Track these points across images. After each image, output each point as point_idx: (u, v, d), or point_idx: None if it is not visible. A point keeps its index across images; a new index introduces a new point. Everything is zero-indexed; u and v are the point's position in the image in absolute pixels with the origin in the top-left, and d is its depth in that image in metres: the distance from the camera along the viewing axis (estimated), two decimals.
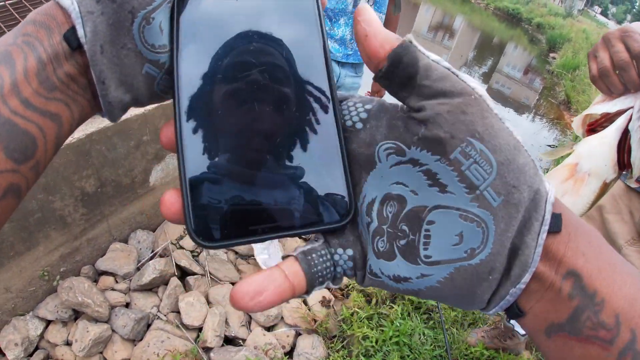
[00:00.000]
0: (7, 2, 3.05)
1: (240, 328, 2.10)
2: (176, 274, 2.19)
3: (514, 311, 0.27)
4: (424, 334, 2.25)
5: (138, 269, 2.18)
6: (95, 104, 0.32)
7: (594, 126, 0.98)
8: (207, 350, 1.98)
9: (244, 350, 1.96)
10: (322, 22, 0.33)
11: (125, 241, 2.28)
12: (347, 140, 0.31)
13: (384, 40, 0.29)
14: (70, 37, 0.28)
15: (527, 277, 0.26)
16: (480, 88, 0.27)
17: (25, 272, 1.83)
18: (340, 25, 2.17)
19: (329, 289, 2.42)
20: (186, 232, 0.26)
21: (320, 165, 0.31)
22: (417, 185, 0.28)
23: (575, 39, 13.80)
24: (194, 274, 2.25)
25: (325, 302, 2.30)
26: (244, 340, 2.07)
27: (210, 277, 2.25)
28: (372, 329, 2.20)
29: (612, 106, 0.93)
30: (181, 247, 2.36)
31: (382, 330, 2.21)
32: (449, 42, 13.65)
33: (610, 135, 0.90)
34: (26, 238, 1.76)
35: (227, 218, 0.30)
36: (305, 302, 2.29)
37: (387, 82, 0.29)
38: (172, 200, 0.30)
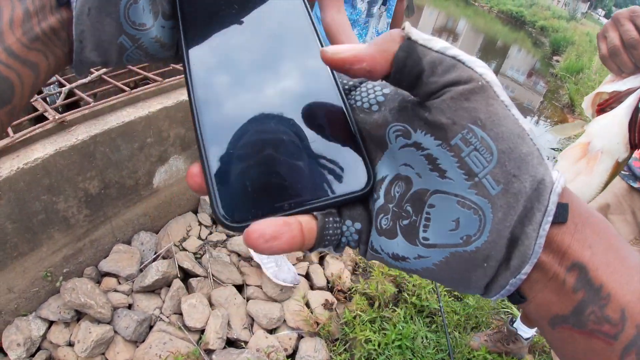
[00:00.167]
0: None
1: (242, 330, 2.10)
2: (179, 275, 2.19)
3: (516, 297, 0.27)
4: (426, 337, 2.25)
5: (141, 270, 2.18)
6: (70, 58, 0.34)
7: (604, 106, 0.98)
8: (209, 352, 1.98)
9: (246, 352, 1.96)
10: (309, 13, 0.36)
11: (129, 243, 2.28)
12: (362, 121, 0.32)
13: (377, 51, 0.28)
14: None
15: (527, 269, 0.25)
16: (489, 73, 0.26)
17: (29, 272, 1.83)
18: None
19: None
20: (212, 216, 0.26)
21: (336, 138, 0.32)
22: (421, 169, 0.28)
23: (579, 42, 13.80)
24: (196, 275, 2.25)
25: (327, 305, 2.30)
26: (246, 342, 2.07)
27: (213, 279, 2.25)
28: (374, 332, 2.20)
29: (621, 85, 0.93)
30: (184, 249, 2.36)
31: (385, 334, 2.20)
32: (452, 45, 13.61)
33: (621, 113, 0.90)
34: (30, 239, 1.77)
35: (253, 196, 0.30)
36: (307, 305, 2.29)
37: (396, 85, 0.30)
38: (198, 173, 0.31)
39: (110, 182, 1.99)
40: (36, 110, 1.83)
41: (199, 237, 2.46)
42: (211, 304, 2.14)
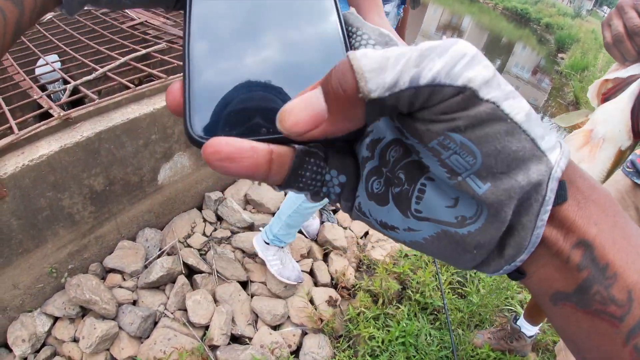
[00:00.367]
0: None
1: (246, 327, 2.10)
2: (183, 272, 2.20)
3: (514, 274, 0.26)
4: (430, 334, 2.25)
5: (146, 266, 2.19)
6: None
7: (608, 95, 0.98)
8: (214, 348, 1.98)
9: (250, 348, 1.97)
10: None
11: (133, 239, 2.29)
12: None
13: (339, 121, 0.24)
14: None
15: (523, 257, 0.24)
16: (477, 77, 0.22)
17: (34, 269, 1.84)
18: None
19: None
20: (185, 135, 0.24)
21: (327, 62, 0.29)
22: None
23: (584, 40, 13.73)
24: (201, 272, 2.25)
25: (331, 302, 2.30)
26: (250, 338, 2.07)
27: (218, 276, 2.26)
28: (378, 329, 2.20)
29: (624, 72, 0.93)
30: (189, 246, 2.36)
31: (389, 331, 2.20)
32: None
33: (624, 100, 0.90)
34: (35, 235, 1.77)
35: (229, 113, 0.28)
36: (311, 302, 2.29)
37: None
38: (178, 88, 0.29)
39: (115, 179, 2.00)
40: (41, 107, 1.84)
41: (204, 234, 2.47)
42: (215, 300, 2.15)
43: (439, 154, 0.23)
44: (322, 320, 2.19)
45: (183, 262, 2.23)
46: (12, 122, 1.67)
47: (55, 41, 2.42)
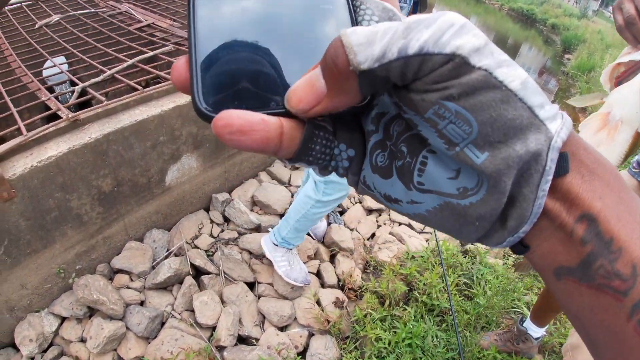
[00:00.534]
0: (23, 3, 3.09)
1: (253, 327, 2.11)
2: (191, 273, 2.21)
3: (518, 247, 0.26)
4: (436, 336, 2.24)
5: (153, 267, 2.20)
6: None
7: (621, 78, 0.98)
8: (221, 349, 1.99)
9: (257, 349, 1.97)
10: None
11: (141, 240, 2.29)
12: None
13: (336, 98, 0.26)
14: None
15: (526, 228, 0.24)
16: (465, 45, 0.23)
17: (42, 269, 1.85)
18: None
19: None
20: (195, 113, 0.23)
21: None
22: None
23: (590, 40, 13.68)
24: (208, 273, 2.26)
25: (338, 303, 2.30)
26: (257, 339, 2.08)
27: (225, 277, 2.26)
28: (385, 331, 2.20)
29: (637, 55, 0.93)
30: (196, 247, 2.37)
31: (395, 332, 2.20)
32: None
33: (639, 82, 0.90)
34: (43, 236, 1.78)
35: (238, 87, 0.28)
36: (318, 303, 2.29)
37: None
38: (184, 63, 0.28)
39: (123, 180, 2.00)
40: (49, 108, 1.85)
41: (211, 235, 2.47)
42: (223, 301, 2.16)
43: (436, 124, 0.24)
44: (328, 322, 2.19)
45: (190, 263, 2.24)
46: (21, 124, 1.68)
47: (63, 43, 2.43)
